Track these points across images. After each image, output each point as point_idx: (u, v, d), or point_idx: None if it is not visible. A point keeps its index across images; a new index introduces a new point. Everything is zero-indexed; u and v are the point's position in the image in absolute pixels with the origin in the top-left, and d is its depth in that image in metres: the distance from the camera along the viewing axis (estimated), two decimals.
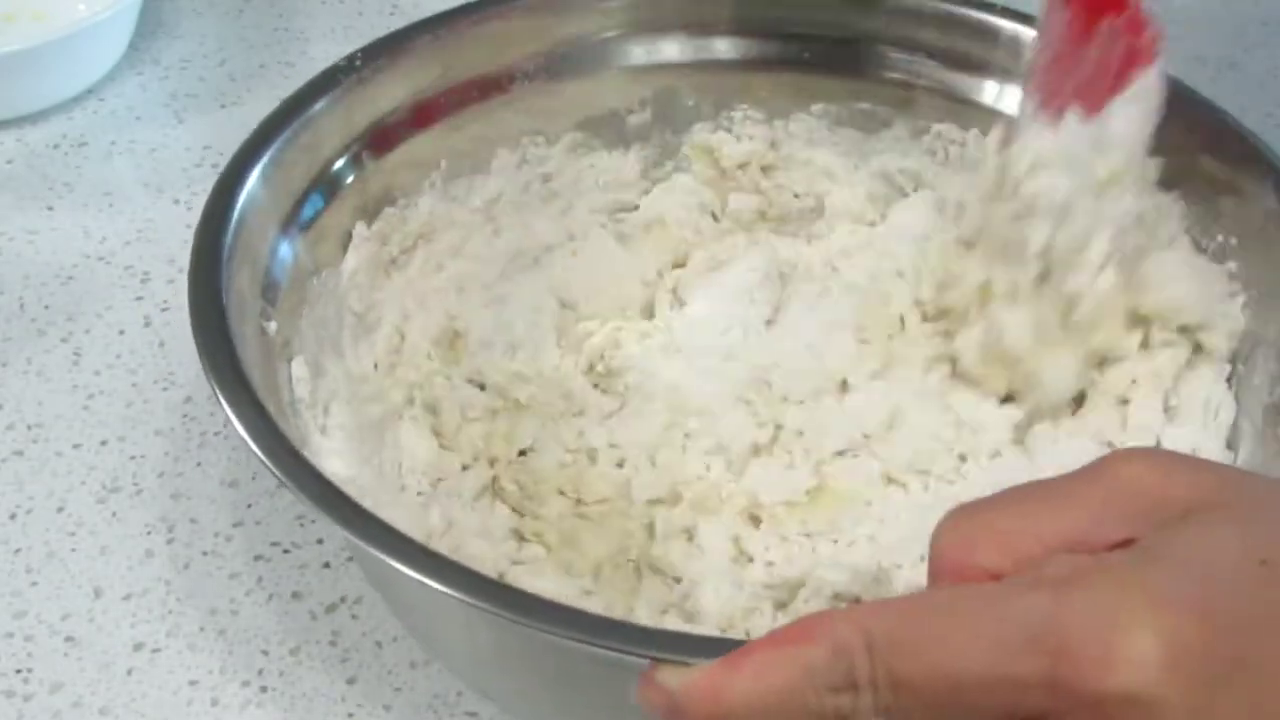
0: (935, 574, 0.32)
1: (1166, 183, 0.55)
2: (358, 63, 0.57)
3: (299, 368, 0.52)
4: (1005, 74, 0.60)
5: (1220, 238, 0.54)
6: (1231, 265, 0.54)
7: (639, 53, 0.62)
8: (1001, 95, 0.60)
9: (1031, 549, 0.30)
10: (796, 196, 0.64)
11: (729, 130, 0.64)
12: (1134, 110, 0.52)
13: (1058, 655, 0.28)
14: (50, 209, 0.71)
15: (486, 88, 0.60)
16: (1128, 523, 0.30)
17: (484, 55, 0.60)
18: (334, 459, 0.50)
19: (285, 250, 0.53)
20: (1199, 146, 0.55)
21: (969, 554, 0.31)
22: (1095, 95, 0.52)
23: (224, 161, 0.53)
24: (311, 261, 0.55)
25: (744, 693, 0.30)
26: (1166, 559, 0.29)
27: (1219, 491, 0.31)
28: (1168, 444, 0.53)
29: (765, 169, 0.65)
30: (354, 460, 0.51)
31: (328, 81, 0.56)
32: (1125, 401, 0.55)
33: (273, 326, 0.51)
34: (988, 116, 0.60)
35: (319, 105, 0.56)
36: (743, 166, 0.65)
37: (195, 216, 0.68)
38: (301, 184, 0.55)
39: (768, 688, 0.29)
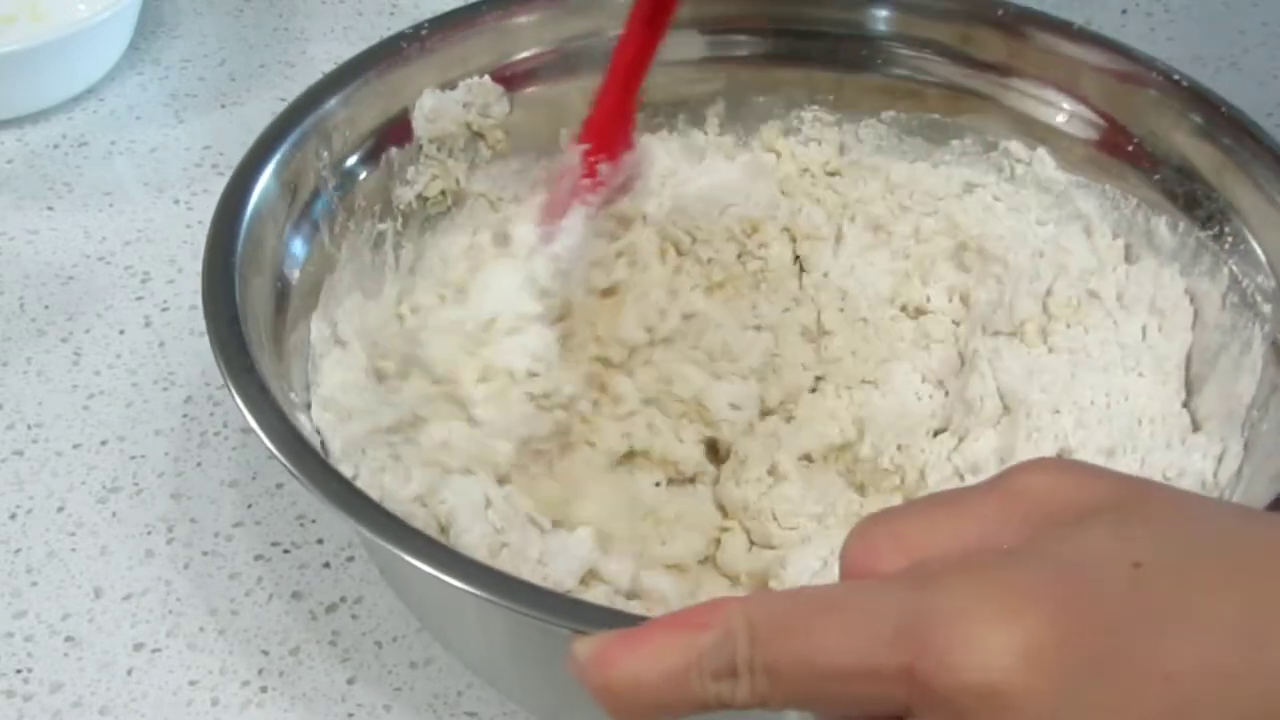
0: (843, 580, 0.32)
1: (1188, 207, 0.56)
2: (424, 31, 0.58)
3: (318, 327, 0.52)
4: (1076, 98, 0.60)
5: (1260, 279, 0.53)
6: (1266, 309, 0.52)
7: (712, 44, 0.62)
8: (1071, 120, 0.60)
9: (931, 555, 0.31)
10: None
11: (798, 131, 0.63)
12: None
13: (914, 649, 0.28)
14: (50, 209, 0.71)
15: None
16: (1024, 528, 0.30)
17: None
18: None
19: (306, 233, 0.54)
20: (1234, 182, 0.55)
21: (874, 560, 0.31)
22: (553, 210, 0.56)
23: (224, 161, 0.53)
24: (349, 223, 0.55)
25: (635, 670, 0.30)
26: (1036, 557, 0.29)
27: (1112, 496, 0.31)
28: None
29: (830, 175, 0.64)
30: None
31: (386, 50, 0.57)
32: None
33: (295, 275, 0.51)
34: (1057, 136, 0.60)
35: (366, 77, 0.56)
36: (806, 171, 0.63)
37: (195, 216, 0.68)
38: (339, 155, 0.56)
39: (658, 669, 0.30)
